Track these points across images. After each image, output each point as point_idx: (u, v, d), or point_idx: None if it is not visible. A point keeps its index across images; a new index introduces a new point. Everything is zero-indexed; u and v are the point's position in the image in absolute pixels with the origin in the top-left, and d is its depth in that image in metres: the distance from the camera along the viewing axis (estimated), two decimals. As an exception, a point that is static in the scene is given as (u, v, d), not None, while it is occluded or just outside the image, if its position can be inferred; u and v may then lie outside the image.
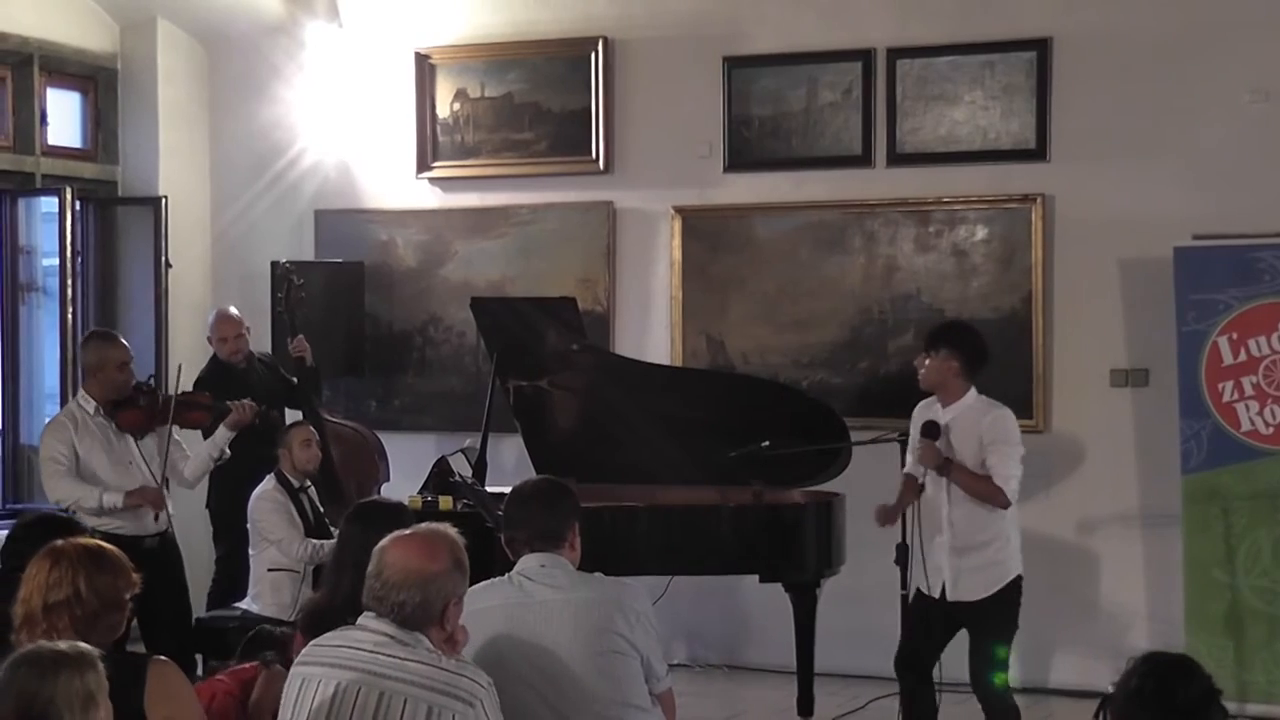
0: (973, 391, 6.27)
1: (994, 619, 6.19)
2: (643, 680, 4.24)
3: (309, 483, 7.35)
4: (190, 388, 7.72)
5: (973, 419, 6.21)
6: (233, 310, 8.18)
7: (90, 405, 6.85)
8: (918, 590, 6.29)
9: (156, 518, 6.83)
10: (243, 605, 7.18)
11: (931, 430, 6.20)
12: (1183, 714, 3.16)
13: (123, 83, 9.40)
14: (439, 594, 3.59)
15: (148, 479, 6.84)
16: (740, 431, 7.03)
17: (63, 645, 3.13)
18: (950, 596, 6.20)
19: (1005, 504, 6.15)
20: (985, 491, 6.13)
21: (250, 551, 7.22)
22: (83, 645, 3.15)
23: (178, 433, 7.10)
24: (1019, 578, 6.21)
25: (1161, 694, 3.16)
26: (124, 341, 7.09)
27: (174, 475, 7.17)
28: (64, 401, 8.80)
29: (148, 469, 6.88)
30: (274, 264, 8.86)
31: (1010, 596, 6.22)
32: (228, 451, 7.21)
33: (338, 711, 3.47)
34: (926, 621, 6.27)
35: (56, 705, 3.02)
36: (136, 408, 6.91)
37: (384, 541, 3.69)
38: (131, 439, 6.89)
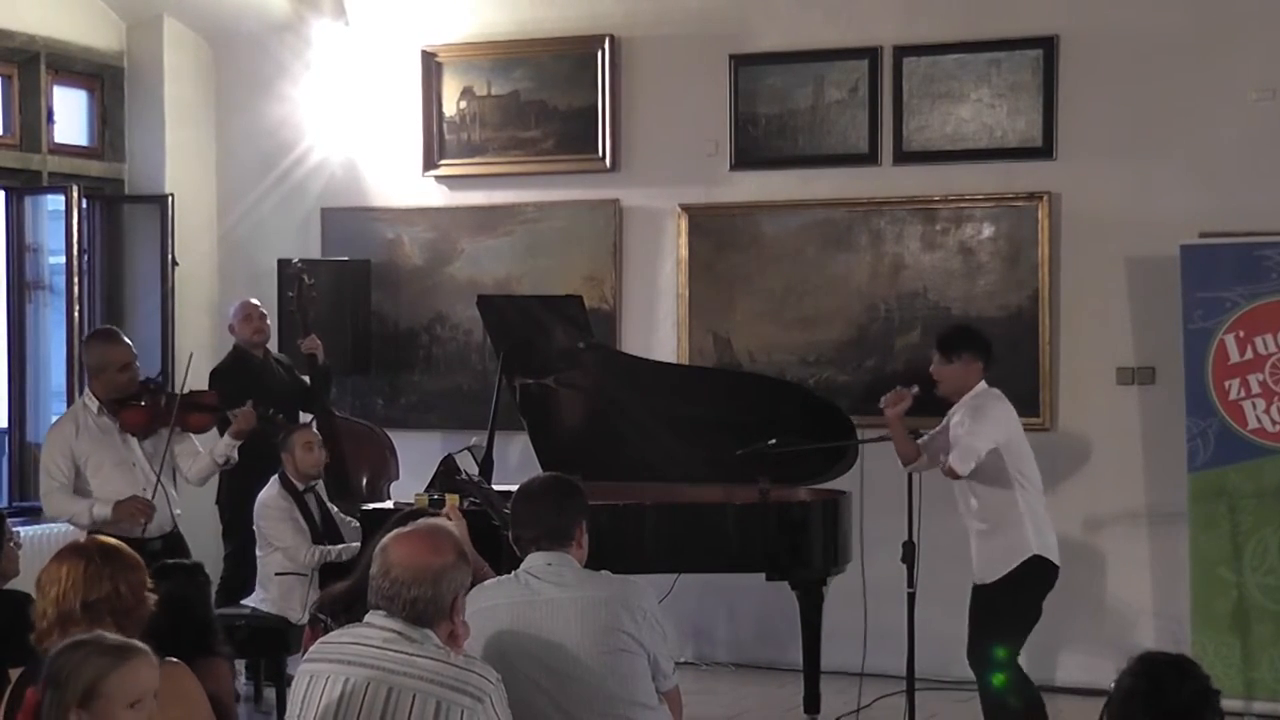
0: (982, 384, 6.43)
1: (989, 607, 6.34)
2: (649, 678, 4.23)
3: (314, 483, 7.34)
4: (208, 379, 7.71)
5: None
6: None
7: (94, 405, 6.66)
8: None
9: (143, 529, 6.45)
10: (251, 603, 7.19)
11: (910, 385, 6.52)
12: (1177, 714, 3.16)
13: (129, 81, 9.41)
14: (449, 587, 3.59)
15: (150, 481, 6.61)
16: (746, 429, 7.02)
17: (121, 638, 3.14)
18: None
19: (950, 472, 6.26)
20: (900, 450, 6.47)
21: (258, 553, 7.22)
22: (139, 644, 3.16)
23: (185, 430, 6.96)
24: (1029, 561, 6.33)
25: (1155, 694, 3.17)
26: (126, 341, 6.87)
27: (180, 474, 6.96)
28: (70, 400, 8.82)
29: (150, 470, 6.65)
30: (284, 263, 8.88)
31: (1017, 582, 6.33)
32: (234, 457, 6.95)
33: (347, 708, 3.47)
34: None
35: (109, 695, 3.06)
36: (139, 408, 6.68)
37: (385, 540, 3.67)
38: (135, 440, 6.69)
